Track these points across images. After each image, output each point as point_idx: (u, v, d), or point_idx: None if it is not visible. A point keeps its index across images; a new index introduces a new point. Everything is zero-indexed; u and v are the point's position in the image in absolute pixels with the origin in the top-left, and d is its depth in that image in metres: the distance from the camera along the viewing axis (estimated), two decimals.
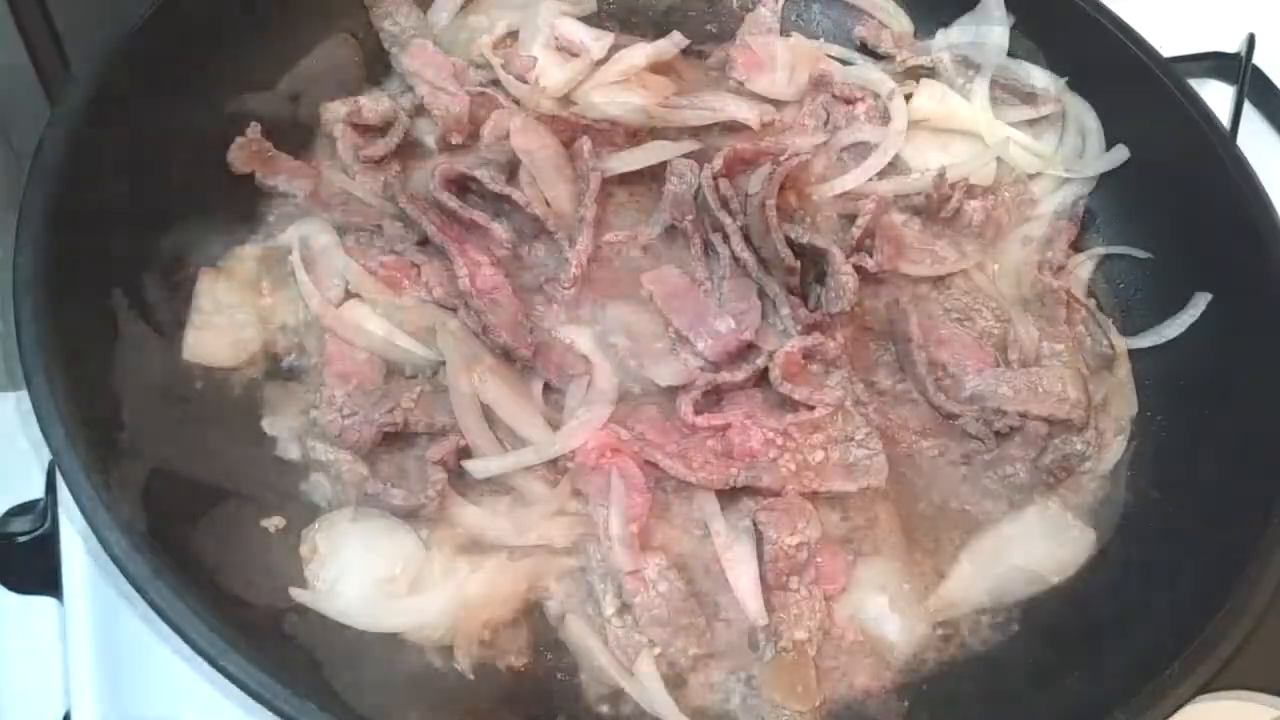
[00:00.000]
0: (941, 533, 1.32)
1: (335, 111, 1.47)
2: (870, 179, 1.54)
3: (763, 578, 1.21)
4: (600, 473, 1.23)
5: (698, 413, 1.28)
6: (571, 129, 1.46)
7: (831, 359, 1.34)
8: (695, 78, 1.65)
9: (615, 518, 1.19)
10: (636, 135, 1.52)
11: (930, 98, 1.58)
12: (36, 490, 1.34)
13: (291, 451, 1.24)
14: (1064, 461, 1.35)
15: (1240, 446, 1.31)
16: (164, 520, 1.03)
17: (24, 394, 1.06)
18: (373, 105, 1.47)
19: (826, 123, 1.61)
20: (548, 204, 1.40)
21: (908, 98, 1.58)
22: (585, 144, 1.43)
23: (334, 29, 1.53)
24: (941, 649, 1.25)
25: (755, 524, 1.22)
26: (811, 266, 1.39)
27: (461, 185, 1.39)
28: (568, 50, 1.58)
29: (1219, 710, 1.17)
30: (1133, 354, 1.43)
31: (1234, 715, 1.24)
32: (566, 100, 1.54)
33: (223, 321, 1.29)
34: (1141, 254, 1.52)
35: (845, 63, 1.66)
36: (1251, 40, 1.90)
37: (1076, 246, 1.56)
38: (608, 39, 1.60)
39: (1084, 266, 1.54)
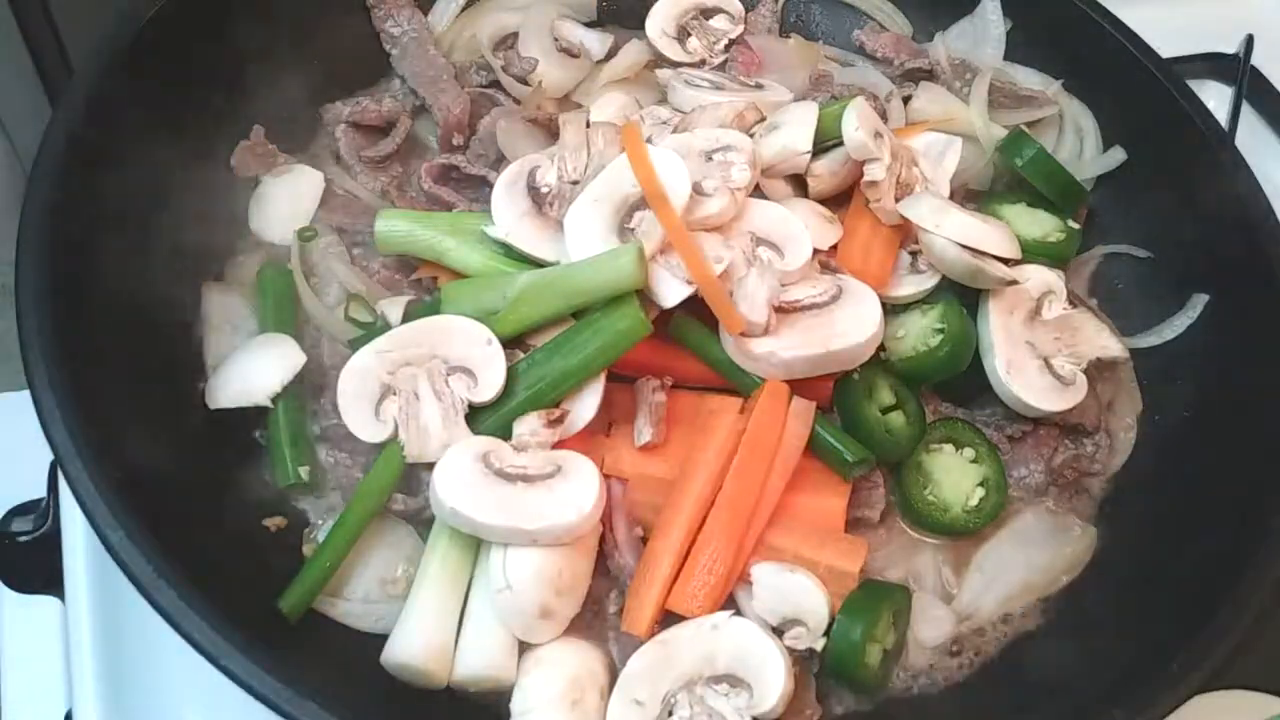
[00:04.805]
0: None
1: (337, 112, 1.47)
2: None
3: None
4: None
5: None
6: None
7: None
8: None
9: (619, 522, 1.20)
10: None
11: (928, 100, 1.58)
12: (38, 490, 1.35)
13: None
14: (1075, 463, 1.36)
15: (1238, 447, 1.31)
16: (166, 520, 1.03)
17: (25, 393, 1.06)
18: (374, 106, 1.47)
19: None
20: None
21: (906, 100, 1.58)
22: None
23: (335, 30, 1.54)
24: (949, 657, 1.25)
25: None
26: None
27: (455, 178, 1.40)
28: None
29: (1219, 708, 1.18)
30: (1132, 354, 1.43)
31: (1233, 713, 1.24)
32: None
33: (233, 337, 1.29)
34: (1142, 253, 1.52)
35: (844, 64, 1.66)
36: (1250, 41, 1.91)
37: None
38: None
39: (1086, 266, 1.54)
